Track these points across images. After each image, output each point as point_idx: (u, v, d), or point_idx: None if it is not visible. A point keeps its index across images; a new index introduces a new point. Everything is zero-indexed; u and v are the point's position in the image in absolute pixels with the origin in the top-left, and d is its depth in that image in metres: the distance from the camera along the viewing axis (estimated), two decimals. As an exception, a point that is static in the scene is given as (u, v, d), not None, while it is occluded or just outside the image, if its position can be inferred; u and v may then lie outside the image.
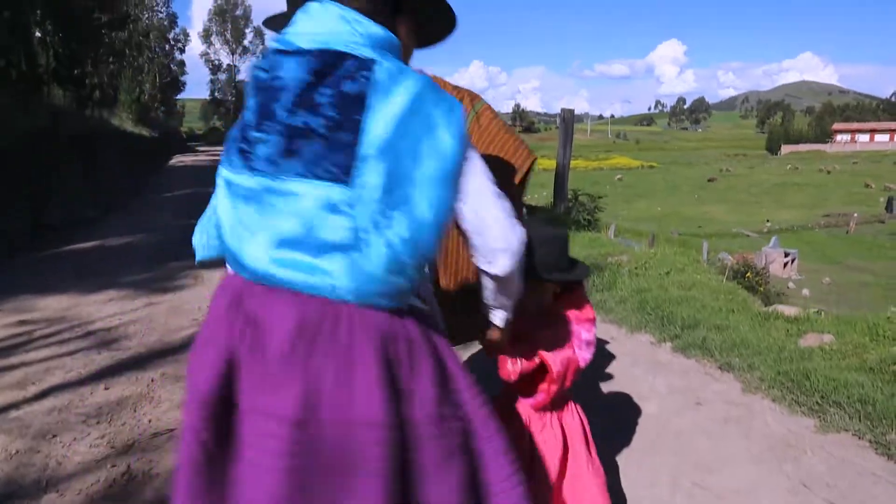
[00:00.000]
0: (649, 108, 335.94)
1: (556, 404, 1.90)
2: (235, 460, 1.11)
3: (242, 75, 65.33)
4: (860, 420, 3.05)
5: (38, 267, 6.92)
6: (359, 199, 1.04)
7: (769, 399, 3.41)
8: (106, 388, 3.53)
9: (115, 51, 25.64)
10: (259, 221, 1.11)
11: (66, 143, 11.91)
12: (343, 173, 1.05)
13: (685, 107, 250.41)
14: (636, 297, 5.20)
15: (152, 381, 3.66)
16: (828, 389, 3.31)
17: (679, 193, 52.27)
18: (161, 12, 48.45)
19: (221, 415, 1.11)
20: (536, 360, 1.78)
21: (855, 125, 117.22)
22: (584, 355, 1.82)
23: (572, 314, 1.85)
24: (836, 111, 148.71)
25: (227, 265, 1.23)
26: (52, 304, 5.22)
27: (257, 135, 1.12)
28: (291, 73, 1.12)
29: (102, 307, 5.17)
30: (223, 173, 1.19)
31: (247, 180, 1.13)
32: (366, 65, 1.10)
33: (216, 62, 65.95)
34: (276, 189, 1.09)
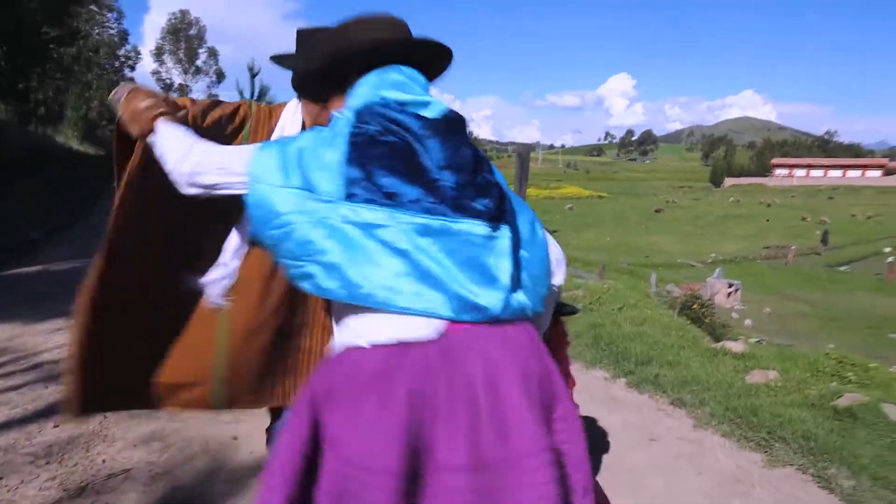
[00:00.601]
0: (599, 139, 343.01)
1: None
2: None
3: (195, 94, 64.08)
4: (804, 455, 3.20)
5: (-21, 293, 6.66)
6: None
7: (719, 434, 3.53)
8: (55, 426, 3.41)
9: (62, 66, 24.99)
10: (490, 264, 1.24)
11: (8, 160, 11.53)
12: (513, 217, 1.35)
13: (633, 139, 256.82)
14: (591, 332, 5.33)
15: (105, 417, 3.55)
16: (774, 425, 3.45)
17: (627, 223, 53.49)
18: (112, 28, 47.49)
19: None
20: None
21: (793, 160, 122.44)
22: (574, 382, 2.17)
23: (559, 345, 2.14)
24: (775, 147, 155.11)
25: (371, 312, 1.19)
26: (-6, 334, 5.03)
27: (458, 186, 1.26)
28: (450, 139, 1.30)
29: (49, 337, 5.00)
30: (372, 212, 1.20)
31: (476, 227, 1.24)
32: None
33: (168, 81, 64.76)
34: (496, 234, 1.27)
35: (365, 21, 1.43)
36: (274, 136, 1.93)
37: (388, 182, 1.21)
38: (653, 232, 48.45)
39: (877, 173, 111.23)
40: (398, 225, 1.19)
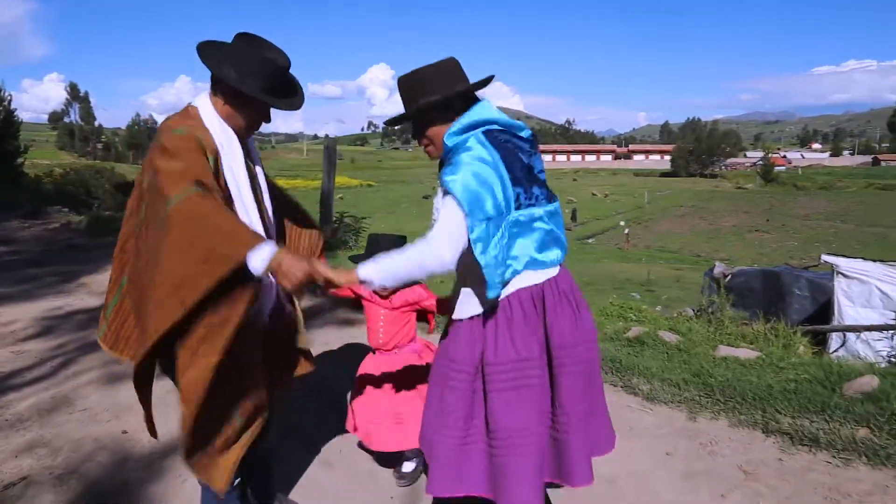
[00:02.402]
0: (363, 129, 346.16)
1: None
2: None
3: None
4: (613, 373, 4.12)
5: None
6: None
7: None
8: None
9: None
10: (555, 234, 2.05)
11: None
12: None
13: (396, 128, 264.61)
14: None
15: (-40, 437, 3.34)
16: (588, 356, 4.36)
17: (399, 210, 55.41)
18: None
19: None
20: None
21: (541, 147, 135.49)
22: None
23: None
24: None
25: (521, 272, 1.98)
26: None
27: (537, 186, 2.03)
28: (537, 149, 2.12)
29: None
30: (529, 211, 1.96)
31: (539, 211, 2.01)
32: None
33: None
34: (552, 211, 2.06)
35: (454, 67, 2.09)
36: (216, 146, 2.02)
37: (535, 190, 2.01)
38: (423, 218, 49.79)
39: (608, 157, 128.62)
40: (544, 213, 2.01)
